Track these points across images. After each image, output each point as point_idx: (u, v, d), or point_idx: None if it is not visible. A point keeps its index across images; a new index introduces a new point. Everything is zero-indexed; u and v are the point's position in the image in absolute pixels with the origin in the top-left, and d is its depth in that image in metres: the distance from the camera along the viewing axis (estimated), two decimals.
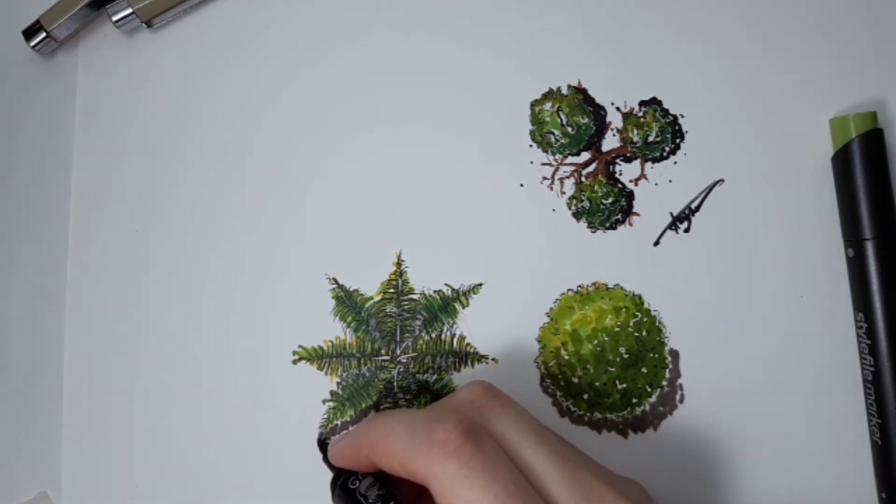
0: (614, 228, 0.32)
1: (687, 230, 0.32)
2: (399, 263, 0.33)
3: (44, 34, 0.33)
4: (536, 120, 0.33)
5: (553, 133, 0.33)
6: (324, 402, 0.32)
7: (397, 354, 0.32)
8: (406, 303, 0.32)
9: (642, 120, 0.33)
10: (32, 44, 0.33)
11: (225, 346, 0.33)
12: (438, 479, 0.24)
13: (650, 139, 0.33)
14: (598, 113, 0.33)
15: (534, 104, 0.33)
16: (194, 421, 0.32)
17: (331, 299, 0.33)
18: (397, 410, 0.28)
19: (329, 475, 0.29)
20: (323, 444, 0.31)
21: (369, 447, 0.26)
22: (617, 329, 0.32)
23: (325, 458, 0.30)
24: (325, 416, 0.32)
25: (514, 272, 0.32)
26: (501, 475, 0.23)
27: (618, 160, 0.33)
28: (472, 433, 0.24)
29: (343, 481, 0.27)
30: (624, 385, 0.32)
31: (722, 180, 0.32)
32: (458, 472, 0.23)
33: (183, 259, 0.33)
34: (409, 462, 0.25)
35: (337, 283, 0.33)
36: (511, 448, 0.25)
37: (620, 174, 0.33)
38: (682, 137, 0.33)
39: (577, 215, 0.33)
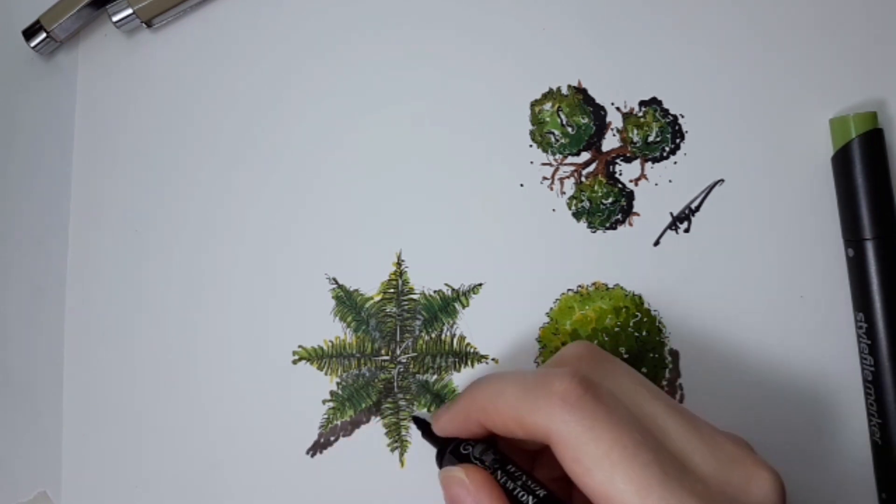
0: (614, 228, 0.32)
1: (687, 230, 0.32)
2: (399, 263, 0.33)
3: (44, 34, 0.33)
4: (536, 120, 0.33)
5: (553, 133, 0.33)
6: (324, 402, 0.32)
7: (397, 354, 0.32)
8: (406, 303, 0.32)
9: (642, 120, 0.33)
10: (32, 44, 0.33)
11: (225, 346, 0.33)
12: (561, 433, 0.23)
13: (650, 139, 0.33)
14: (598, 113, 0.33)
15: (534, 104, 0.33)
16: (194, 421, 0.32)
17: (331, 299, 0.33)
18: (501, 372, 0.27)
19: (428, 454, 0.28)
20: (420, 422, 0.30)
21: (480, 411, 0.26)
22: (617, 329, 0.32)
23: (426, 433, 0.29)
24: (325, 416, 0.32)
25: (514, 272, 0.32)
26: (627, 425, 0.23)
27: (618, 160, 0.33)
28: (592, 385, 0.24)
29: (454, 448, 0.27)
30: None
31: (722, 180, 0.32)
32: (582, 423, 0.23)
33: (183, 259, 0.33)
34: (526, 418, 0.24)
35: (337, 283, 0.33)
36: (628, 401, 0.24)
37: (620, 174, 0.33)
38: (682, 137, 0.33)
39: (577, 215, 0.33)
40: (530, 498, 0.25)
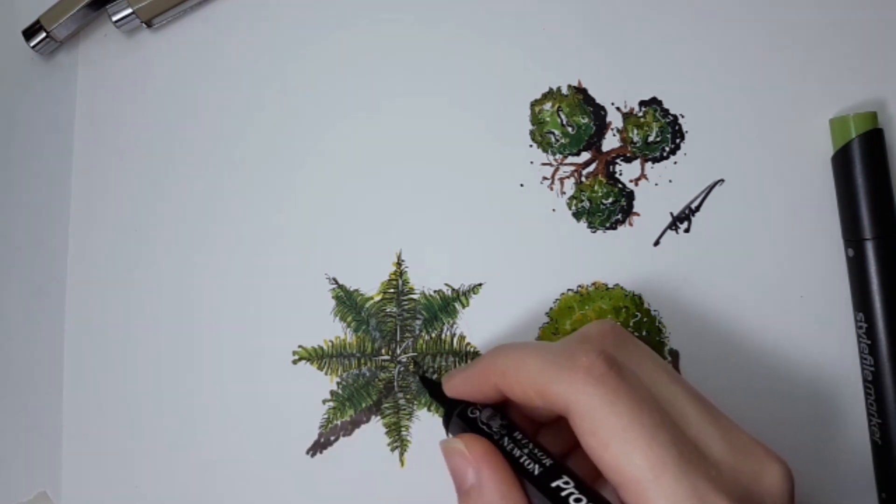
0: (614, 228, 0.32)
1: (687, 230, 0.32)
2: (399, 263, 0.33)
3: (44, 34, 0.33)
4: (536, 120, 0.33)
5: (553, 133, 0.33)
6: (324, 402, 0.32)
7: (397, 354, 0.32)
8: (406, 303, 0.32)
9: (642, 120, 0.33)
10: (32, 44, 0.33)
11: (225, 346, 0.33)
12: (582, 405, 0.23)
13: (650, 139, 0.33)
14: (598, 113, 0.33)
15: (534, 104, 0.33)
16: (194, 421, 0.32)
17: (331, 299, 0.33)
18: (525, 342, 0.27)
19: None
20: (429, 382, 0.30)
21: (499, 376, 0.26)
22: None
23: (433, 393, 0.29)
24: (325, 416, 0.32)
25: (514, 272, 0.32)
26: (648, 405, 0.23)
27: (618, 160, 0.33)
28: (616, 362, 0.24)
29: (461, 411, 0.27)
30: None
31: (722, 180, 0.32)
32: (604, 398, 0.23)
33: (183, 259, 0.33)
34: (548, 387, 0.24)
35: (337, 283, 0.33)
36: (649, 382, 0.25)
37: (620, 174, 0.33)
38: (682, 137, 0.33)
39: (577, 215, 0.33)
40: (536, 466, 0.24)
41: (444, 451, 0.26)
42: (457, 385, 0.28)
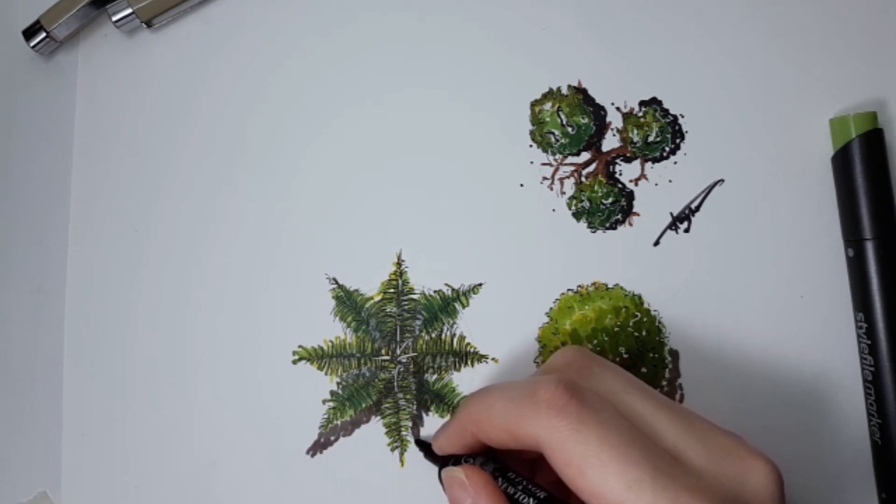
0: (614, 228, 0.32)
1: (687, 230, 0.32)
2: (399, 263, 0.33)
3: (44, 34, 0.33)
4: (536, 120, 0.33)
5: (553, 133, 0.33)
6: (324, 402, 0.32)
7: (397, 354, 0.32)
8: (406, 303, 0.32)
9: (642, 120, 0.33)
10: (32, 44, 0.33)
11: (225, 346, 0.33)
12: (550, 440, 0.23)
13: (650, 139, 0.33)
14: (598, 113, 0.33)
15: (534, 104, 0.33)
16: (194, 421, 0.32)
17: (331, 299, 0.33)
18: (493, 385, 0.27)
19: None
20: (422, 444, 0.30)
21: (474, 424, 0.26)
22: (617, 329, 0.32)
23: (428, 454, 0.29)
24: (325, 416, 0.32)
25: (514, 272, 0.32)
26: (616, 425, 0.23)
27: (618, 160, 0.33)
28: (576, 390, 0.24)
29: (455, 460, 0.27)
30: None
31: (722, 180, 0.32)
32: (569, 427, 0.23)
33: (182, 259, 0.33)
34: (516, 429, 0.24)
35: (337, 283, 0.33)
36: (617, 402, 0.25)
37: (620, 174, 0.33)
38: (682, 137, 0.33)
39: (577, 215, 0.33)
40: (531, 500, 0.25)
41: (445, 479, 0.27)
42: (442, 443, 0.28)
